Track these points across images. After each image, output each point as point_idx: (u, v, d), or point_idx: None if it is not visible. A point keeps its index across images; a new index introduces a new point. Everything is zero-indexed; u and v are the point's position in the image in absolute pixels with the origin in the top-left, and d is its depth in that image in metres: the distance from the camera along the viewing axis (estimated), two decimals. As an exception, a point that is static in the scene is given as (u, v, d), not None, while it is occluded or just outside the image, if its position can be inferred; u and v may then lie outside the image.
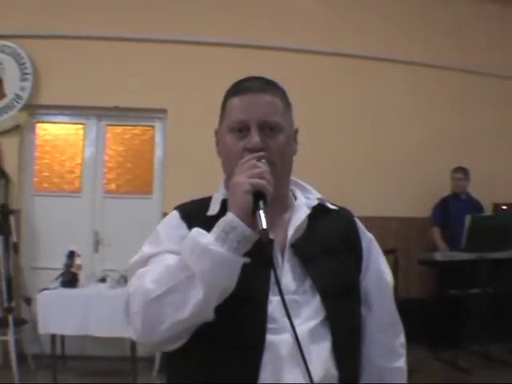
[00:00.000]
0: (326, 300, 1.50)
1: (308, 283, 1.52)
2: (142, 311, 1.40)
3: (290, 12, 6.86)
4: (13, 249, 5.95)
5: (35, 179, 6.75)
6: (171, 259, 1.44)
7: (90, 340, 5.89)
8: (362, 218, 1.78)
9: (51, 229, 6.52)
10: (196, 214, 1.60)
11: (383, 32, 7.04)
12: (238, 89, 1.61)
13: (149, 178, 6.84)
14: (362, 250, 1.68)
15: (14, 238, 5.92)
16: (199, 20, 6.61)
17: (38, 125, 6.81)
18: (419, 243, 6.88)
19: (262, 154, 1.49)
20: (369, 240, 1.72)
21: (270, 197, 1.40)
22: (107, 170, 6.84)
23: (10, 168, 6.48)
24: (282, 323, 1.43)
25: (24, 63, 6.39)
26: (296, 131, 1.68)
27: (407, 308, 5.89)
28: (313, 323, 1.47)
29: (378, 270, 1.70)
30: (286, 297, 1.42)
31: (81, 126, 6.83)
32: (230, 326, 1.44)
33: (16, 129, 6.49)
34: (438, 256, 6.23)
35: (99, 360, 6.12)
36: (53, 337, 5.53)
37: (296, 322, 1.41)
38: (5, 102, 6.41)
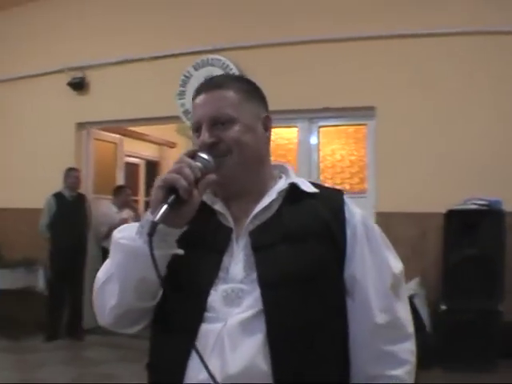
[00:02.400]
0: (266, 290, 1.47)
1: (256, 272, 1.52)
2: (94, 298, 1.62)
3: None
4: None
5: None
6: None
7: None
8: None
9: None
10: None
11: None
12: (197, 90, 1.67)
13: (363, 176, 6.87)
14: (346, 237, 1.59)
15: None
16: (402, 13, 6.44)
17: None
18: None
19: (193, 149, 1.54)
20: (354, 225, 1.61)
21: (185, 191, 1.41)
22: (321, 171, 7.02)
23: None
24: (220, 312, 1.47)
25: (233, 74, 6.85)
26: (266, 119, 1.68)
27: None
28: (248, 314, 1.46)
29: (365, 260, 1.59)
30: (232, 285, 1.49)
31: (295, 129, 7.10)
32: (172, 313, 1.52)
33: (231, 136, 6.95)
34: None
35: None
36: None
37: (235, 311, 1.46)
38: (218, 112, 6.93)
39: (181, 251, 1.49)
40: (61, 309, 7.65)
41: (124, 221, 8.18)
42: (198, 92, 1.65)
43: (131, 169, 11.27)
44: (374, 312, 1.56)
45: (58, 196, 7.64)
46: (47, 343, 7.33)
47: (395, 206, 6.20)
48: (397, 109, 6.39)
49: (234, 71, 6.83)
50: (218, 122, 1.58)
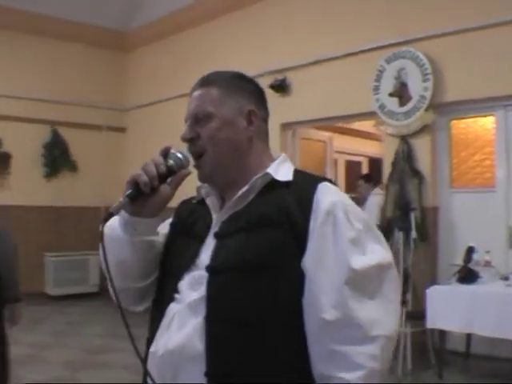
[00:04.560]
0: (212, 277, 1.59)
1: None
2: None
3: None
4: (414, 244, 6.51)
5: (451, 176, 7.15)
6: None
7: (476, 338, 6.05)
8: None
9: (467, 225, 6.80)
10: (188, 202, 1.89)
11: None
12: (192, 88, 1.80)
13: None
14: (308, 228, 1.57)
15: (413, 234, 6.46)
16: None
17: (453, 122, 7.17)
18: None
19: (167, 147, 1.71)
20: (317, 214, 1.58)
21: (145, 185, 1.61)
22: (523, 162, 6.72)
23: (423, 167, 7.02)
24: (184, 295, 1.63)
25: (423, 64, 6.89)
26: (250, 113, 1.73)
27: None
28: (197, 296, 1.59)
29: (320, 250, 1.56)
30: (197, 272, 1.64)
31: (491, 119, 6.90)
32: (158, 293, 1.76)
33: (425, 128, 7.00)
34: None
35: (485, 360, 6.15)
36: (441, 332, 5.92)
37: (193, 295, 1.60)
38: (412, 104, 7.01)
39: (154, 238, 1.73)
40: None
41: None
42: (191, 90, 1.78)
43: (353, 166, 11.69)
44: (324, 307, 1.52)
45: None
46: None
47: None
48: None
49: (424, 62, 6.85)
50: (199, 119, 1.70)
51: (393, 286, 1.60)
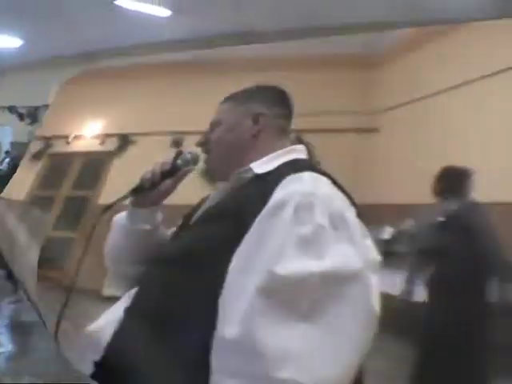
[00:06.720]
0: (147, 267, 1.60)
1: None
2: None
3: None
4: None
5: None
6: None
7: None
8: None
9: None
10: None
11: None
12: None
13: None
14: (256, 219, 1.39)
15: None
16: None
17: None
18: None
19: (179, 150, 1.84)
20: (264, 209, 1.38)
21: (147, 181, 1.72)
22: None
23: None
24: None
25: None
26: (257, 114, 1.70)
27: None
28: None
29: (250, 250, 1.33)
30: None
31: None
32: None
33: None
34: None
35: None
36: None
37: None
38: None
39: (149, 228, 1.76)
40: None
41: None
42: None
43: None
44: (227, 319, 1.25)
45: None
46: None
47: None
48: None
49: None
50: (212, 127, 1.78)
51: (352, 309, 1.21)
